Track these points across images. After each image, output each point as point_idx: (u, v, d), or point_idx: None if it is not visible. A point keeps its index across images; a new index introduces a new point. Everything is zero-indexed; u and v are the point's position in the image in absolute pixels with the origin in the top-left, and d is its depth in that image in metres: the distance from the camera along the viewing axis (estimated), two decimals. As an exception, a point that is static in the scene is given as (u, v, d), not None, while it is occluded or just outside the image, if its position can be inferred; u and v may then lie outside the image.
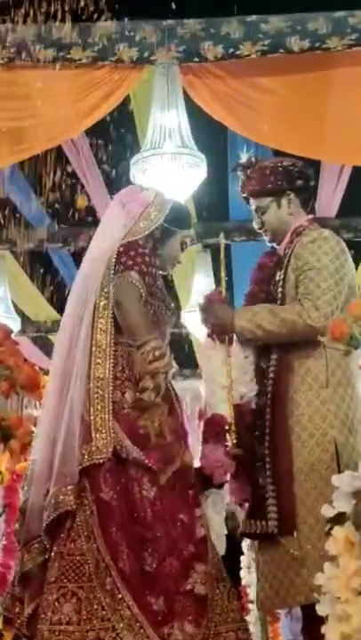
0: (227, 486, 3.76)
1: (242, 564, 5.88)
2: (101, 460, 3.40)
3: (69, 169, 7.17)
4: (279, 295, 3.79)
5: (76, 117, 5.95)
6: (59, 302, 9.78)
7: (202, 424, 3.86)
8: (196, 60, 5.74)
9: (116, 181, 6.73)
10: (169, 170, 5.67)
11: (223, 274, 3.98)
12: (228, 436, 3.72)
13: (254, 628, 5.10)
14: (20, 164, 6.82)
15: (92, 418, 3.46)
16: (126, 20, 5.72)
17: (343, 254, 3.81)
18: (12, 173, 7.32)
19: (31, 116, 5.96)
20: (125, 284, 3.58)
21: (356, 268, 4.25)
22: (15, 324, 9.37)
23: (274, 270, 3.90)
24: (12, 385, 3.62)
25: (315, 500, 3.53)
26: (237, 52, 5.63)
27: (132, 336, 3.55)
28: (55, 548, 3.36)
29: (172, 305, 3.87)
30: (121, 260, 3.62)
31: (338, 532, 2.76)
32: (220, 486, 3.71)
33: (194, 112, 5.95)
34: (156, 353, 3.48)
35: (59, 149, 6.73)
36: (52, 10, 5.30)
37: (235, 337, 3.83)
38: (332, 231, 3.91)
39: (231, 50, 5.63)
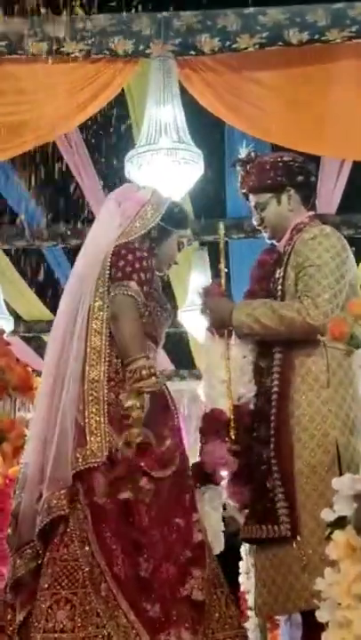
0: (224, 484, 3.76)
1: (241, 570, 5.87)
2: (96, 464, 3.40)
3: (63, 165, 7.17)
4: (279, 293, 3.78)
5: (70, 112, 5.94)
6: (52, 302, 9.78)
7: (200, 419, 3.86)
8: (193, 53, 5.72)
9: (110, 177, 6.73)
10: (165, 166, 5.66)
11: (223, 265, 3.98)
12: (228, 431, 3.72)
13: (253, 635, 5.09)
14: (11, 160, 6.81)
15: (86, 421, 3.46)
16: (121, 12, 5.69)
17: (345, 251, 3.80)
18: (3, 169, 7.33)
19: (23, 112, 5.95)
20: (124, 299, 3.58)
21: (358, 266, 4.24)
22: (8, 324, 9.39)
23: (274, 268, 3.90)
24: (4, 386, 3.62)
25: (315, 502, 3.52)
26: (234, 45, 5.61)
27: (123, 352, 3.56)
28: (48, 553, 3.36)
29: (169, 306, 3.87)
30: (119, 264, 3.61)
31: (338, 536, 2.75)
32: (218, 482, 3.71)
33: (190, 106, 5.93)
34: (143, 372, 3.48)
35: (52, 145, 6.73)
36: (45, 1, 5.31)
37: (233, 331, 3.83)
38: (333, 228, 3.91)
39: (228, 43, 5.61)
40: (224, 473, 3.71)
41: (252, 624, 5.29)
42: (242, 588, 5.89)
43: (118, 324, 3.56)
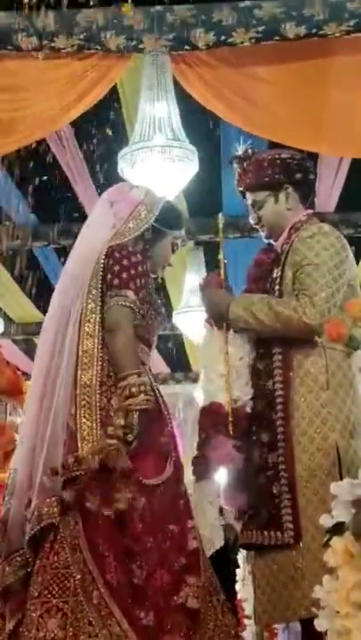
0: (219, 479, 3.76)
1: (237, 577, 5.86)
2: (88, 471, 3.39)
3: (55, 163, 7.16)
4: (276, 293, 3.78)
5: (61, 109, 5.93)
6: (44, 303, 9.77)
7: (199, 412, 3.87)
8: (187, 48, 5.72)
9: (103, 176, 6.72)
10: (159, 164, 5.66)
11: (222, 256, 3.98)
12: (228, 426, 3.72)
13: (251, 645, 5.08)
14: (1, 159, 6.80)
15: (78, 426, 3.46)
16: (113, 6, 5.69)
17: (344, 251, 3.80)
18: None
19: (13, 109, 5.94)
20: (122, 310, 3.57)
21: (358, 265, 4.25)
22: (-2, 326, 9.39)
23: (271, 267, 3.90)
24: (-6, 390, 3.62)
25: (316, 508, 3.51)
26: (230, 40, 5.61)
27: (116, 366, 3.55)
28: (38, 561, 3.35)
29: (163, 309, 3.87)
30: (114, 268, 3.61)
31: (337, 542, 2.74)
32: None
33: (185, 103, 5.93)
34: (133, 390, 3.47)
35: (43, 142, 6.72)
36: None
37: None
38: (332, 226, 3.91)
39: (223, 37, 5.61)
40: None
41: (249, 633, 5.28)
42: (239, 596, 5.88)
43: (114, 337, 3.56)
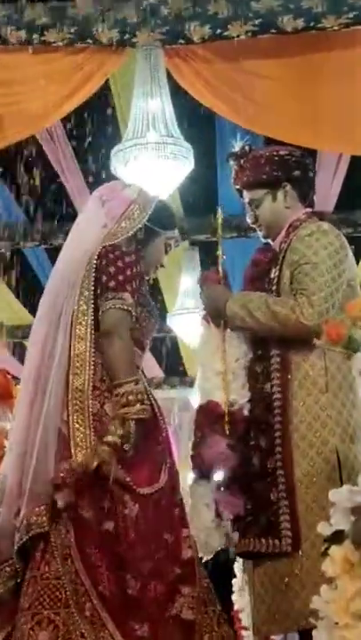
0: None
1: (234, 587, 5.85)
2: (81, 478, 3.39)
3: (45, 161, 7.16)
4: (274, 294, 3.78)
5: (52, 105, 5.92)
6: (34, 306, 9.76)
7: (195, 411, 3.87)
8: (182, 41, 5.70)
9: (95, 174, 6.71)
10: (153, 161, 5.65)
11: (220, 252, 3.98)
12: (224, 425, 3.72)
13: (248, 656, 5.07)
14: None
15: (71, 432, 3.46)
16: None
17: (343, 249, 3.80)
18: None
19: (3, 105, 5.93)
20: (120, 313, 3.57)
21: (358, 265, 4.25)
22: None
23: (268, 267, 3.90)
24: (-18, 395, 3.61)
25: (316, 514, 3.50)
26: (225, 33, 5.59)
27: (112, 373, 3.55)
28: (29, 571, 3.35)
29: (156, 311, 3.88)
30: (109, 270, 3.60)
31: (336, 551, 2.74)
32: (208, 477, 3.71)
33: (179, 98, 5.93)
34: (130, 398, 3.48)
35: (33, 140, 6.71)
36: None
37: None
38: (331, 225, 3.91)
39: (219, 30, 5.59)
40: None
41: (246, 644, 5.27)
42: (235, 607, 5.88)
43: (112, 342, 3.55)
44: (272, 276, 3.84)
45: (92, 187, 6.37)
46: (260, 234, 4.04)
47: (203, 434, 3.75)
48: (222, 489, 3.72)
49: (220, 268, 3.96)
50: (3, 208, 8.09)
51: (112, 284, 3.59)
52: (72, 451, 3.42)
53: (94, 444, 3.41)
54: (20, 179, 7.08)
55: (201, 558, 3.73)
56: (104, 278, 3.60)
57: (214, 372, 3.81)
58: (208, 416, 3.77)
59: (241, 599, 5.58)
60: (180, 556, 3.48)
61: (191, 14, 5.61)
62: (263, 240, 4.05)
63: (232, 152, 4.03)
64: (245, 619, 4.53)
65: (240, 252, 5.84)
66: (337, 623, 2.69)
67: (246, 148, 4.00)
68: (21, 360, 10.20)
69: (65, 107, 5.91)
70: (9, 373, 6.01)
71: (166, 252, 3.96)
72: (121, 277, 3.60)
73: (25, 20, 5.58)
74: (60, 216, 7.93)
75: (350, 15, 5.50)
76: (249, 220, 4.04)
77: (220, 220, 4.06)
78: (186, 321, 9.06)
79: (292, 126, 5.95)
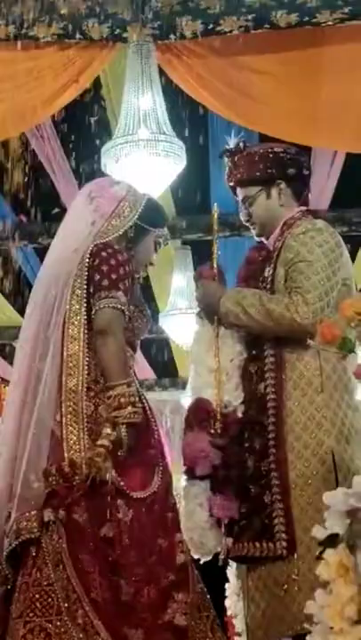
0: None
1: (227, 592, 5.85)
2: (74, 482, 3.40)
3: (34, 158, 7.15)
4: (268, 292, 3.79)
5: (41, 102, 5.92)
6: (23, 306, 9.74)
7: (186, 409, 3.87)
8: (173, 37, 5.71)
9: (86, 171, 6.72)
10: (144, 158, 5.65)
11: (215, 248, 3.99)
12: (213, 423, 3.73)
13: (242, 663, 5.08)
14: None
15: (64, 434, 3.47)
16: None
17: (338, 248, 3.82)
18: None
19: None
20: (114, 313, 3.58)
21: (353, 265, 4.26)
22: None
23: (263, 266, 3.91)
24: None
25: (311, 517, 3.51)
26: (218, 28, 5.59)
27: (105, 373, 3.56)
28: (20, 578, 3.35)
29: (148, 311, 3.89)
30: (102, 268, 3.61)
31: (330, 555, 2.75)
32: (203, 478, 3.71)
33: (171, 94, 5.93)
34: (122, 400, 3.49)
35: (22, 137, 6.71)
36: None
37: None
38: (326, 223, 3.92)
39: (212, 25, 5.58)
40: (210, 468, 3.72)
41: (240, 650, 5.28)
42: (229, 613, 5.88)
43: (105, 342, 3.56)
44: (266, 274, 3.85)
45: (81, 184, 6.38)
46: (253, 232, 4.05)
47: (187, 431, 3.77)
48: (217, 492, 3.74)
49: (214, 265, 3.97)
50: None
51: (105, 282, 3.59)
52: (65, 454, 3.44)
53: (88, 447, 3.42)
54: (9, 178, 7.07)
55: (197, 560, 3.75)
56: (97, 277, 3.60)
57: (207, 368, 3.82)
58: (196, 413, 3.78)
59: (235, 605, 5.59)
60: (174, 562, 3.49)
61: (183, 9, 5.59)
62: (257, 238, 4.06)
63: (226, 148, 4.04)
64: (239, 624, 4.55)
65: (233, 251, 5.86)
66: (332, 628, 2.70)
67: (241, 144, 4.01)
68: (9, 361, 10.21)
69: (56, 103, 5.90)
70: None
71: (156, 249, 3.97)
72: (114, 276, 3.60)
73: (14, 15, 5.57)
74: (49, 215, 7.91)
75: (345, 10, 5.49)
76: (242, 218, 4.05)
77: (215, 217, 4.07)
78: (178, 321, 9.03)
79: (286, 122, 5.95)
